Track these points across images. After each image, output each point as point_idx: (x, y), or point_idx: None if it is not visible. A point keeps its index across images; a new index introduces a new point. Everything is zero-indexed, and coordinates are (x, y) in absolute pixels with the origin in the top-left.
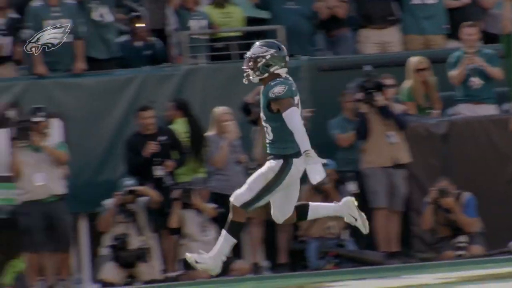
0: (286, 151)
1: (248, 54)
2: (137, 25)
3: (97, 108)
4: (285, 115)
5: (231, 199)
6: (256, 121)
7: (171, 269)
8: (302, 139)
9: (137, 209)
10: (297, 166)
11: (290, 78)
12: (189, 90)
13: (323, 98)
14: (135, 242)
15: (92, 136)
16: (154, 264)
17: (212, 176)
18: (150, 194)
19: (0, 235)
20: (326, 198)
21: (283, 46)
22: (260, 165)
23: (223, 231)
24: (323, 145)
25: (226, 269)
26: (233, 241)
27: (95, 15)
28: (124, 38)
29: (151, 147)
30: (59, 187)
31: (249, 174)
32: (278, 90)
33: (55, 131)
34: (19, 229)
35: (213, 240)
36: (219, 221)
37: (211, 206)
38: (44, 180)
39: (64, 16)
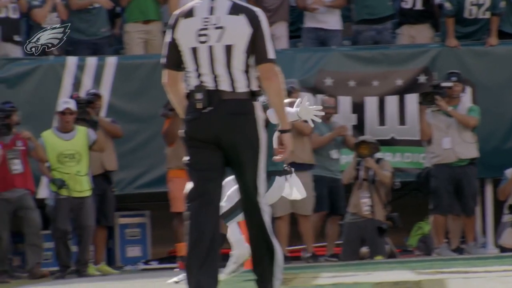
0: (268, 167)
1: None
2: None
3: (508, 76)
4: None
5: None
6: None
7: None
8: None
9: None
10: (279, 184)
11: None
12: None
13: None
14: None
15: (502, 104)
16: None
17: None
18: None
19: (407, 197)
20: None
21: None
22: None
23: None
24: None
25: None
26: None
27: None
28: None
29: None
30: (469, 152)
31: None
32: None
33: (467, 97)
34: (428, 192)
35: None
36: None
37: None
38: (451, 144)
39: None
